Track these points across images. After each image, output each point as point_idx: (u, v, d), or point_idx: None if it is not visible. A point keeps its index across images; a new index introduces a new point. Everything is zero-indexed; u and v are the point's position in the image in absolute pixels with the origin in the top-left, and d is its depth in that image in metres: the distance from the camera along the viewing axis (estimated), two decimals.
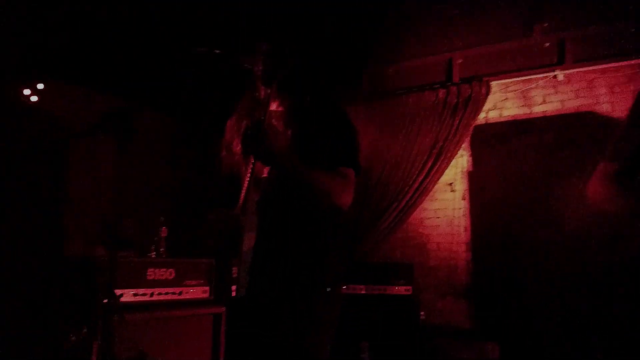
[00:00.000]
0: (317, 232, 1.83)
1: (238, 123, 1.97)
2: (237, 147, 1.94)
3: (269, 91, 1.96)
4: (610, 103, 4.17)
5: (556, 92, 4.39)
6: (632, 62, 4.02)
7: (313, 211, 1.81)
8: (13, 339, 2.52)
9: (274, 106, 1.96)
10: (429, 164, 4.57)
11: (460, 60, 4.63)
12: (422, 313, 3.68)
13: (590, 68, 4.17)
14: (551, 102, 4.42)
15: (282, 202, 1.83)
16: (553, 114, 4.40)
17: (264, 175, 1.89)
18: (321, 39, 4.65)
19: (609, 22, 4.04)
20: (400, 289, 3.73)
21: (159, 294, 2.73)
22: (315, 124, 1.85)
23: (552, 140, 4.35)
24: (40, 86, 2.93)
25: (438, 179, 4.60)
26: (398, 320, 3.63)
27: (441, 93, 4.59)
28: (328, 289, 1.83)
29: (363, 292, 3.70)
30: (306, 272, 1.77)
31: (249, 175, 1.76)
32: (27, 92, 2.90)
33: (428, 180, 4.58)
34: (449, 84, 4.59)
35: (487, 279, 4.50)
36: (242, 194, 1.79)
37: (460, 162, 4.73)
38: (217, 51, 1.85)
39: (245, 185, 1.78)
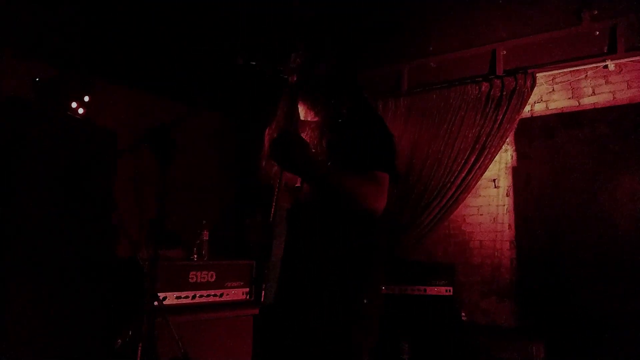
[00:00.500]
0: (347, 240, 1.81)
1: (275, 132, 1.98)
2: None
3: (301, 101, 1.96)
4: None
5: (607, 83, 4.18)
6: None
7: (343, 219, 1.80)
8: (64, 339, 2.64)
9: (309, 116, 1.96)
10: (472, 160, 4.46)
11: (504, 52, 4.47)
12: (463, 314, 3.62)
13: None
14: (602, 93, 4.21)
15: (313, 210, 1.82)
16: (604, 105, 4.19)
17: (297, 185, 1.90)
18: (361, 31, 4.60)
19: None
20: (441, 290, 3.67)
21: (201, 296, 2.80)
22: (350, 132, 1.84)
23: (603, 133, 4.15)
24: (86, 98, 3.03)
25: (481, 174, 4.49)
26: (439, 320, 3.58)
27: (484, 86, 4.46)
28: (365, 301, 1.81)
29: (403, 292, 3.66)
30: (337, 283, 1.76)
31: (279, 184, 1.78)
32: (74, 105, 3.02)
33: (471, 176, 4.47)
34: (492, 76, 4.44)
35: (533, 277, 4.36)
36: (273, 203, 1.81)
37: (505, 157, 4.60)
38: (253, 62, 1.86)
39: (275, 194, 1.80)
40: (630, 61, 4.02)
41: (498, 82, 4.39)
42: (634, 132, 4.00)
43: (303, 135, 1.93)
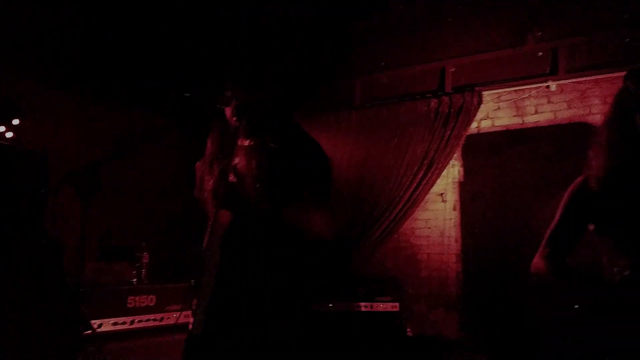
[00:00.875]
0: (287, 265, 1.79)
1: (208, 162, 1.94)
2: (209, 185, 1.91)
3: (235, 129, 1.92)
4: (602, 114, 4.07)
5: (549, 102, 4.33)
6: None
7: (278, 251, 1.78)
8: None
9: (245, 142, 1.93)
10: (420, 175, 4.52)
11: (452, 69, 4.55)
12: (408, 329, 3.66)
13: (583, 79, 4.10)
14: (544, 112, 4.35)
15: (246, 241, 1.80)
16: (545, 124, 4.34)
17: (229, 216, 1.87)
18: (310, 46, 4.60)
19: (602, 32, 3.95)
20: (387, 306, 3.70)
21: (140, 321, 2.72)
22: (286, 159, 1.82)
23: (545, 151, 4.29)
24: (15, 122, 2.89)
25: (429, 189, 4.56)
26: (385, 337, 3.61)
27: (433, 103, 4.53)
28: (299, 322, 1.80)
29: (350, 309, 3.67)
30: (269, 321, 1.74)
31: (212, 217, 1.76)
32: (1, 129, 2.86)
33: (419, 191, 4.53)
34: (441, 93, 4.52)
35: (478, 290, 4.47)
36: (206, 235, 1.79)
37: (452, 172, 4.69)
38: (187, 94, 1.82)
39: (209, 226, 1.78)
40: (571, 82, 4.18)
41: (446, 99, 4.47)
42: (573, 151, 4.15)
43: (236, 160, 1.90)
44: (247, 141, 1.93)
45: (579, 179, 1.90)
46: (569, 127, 4.22)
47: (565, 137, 4.20)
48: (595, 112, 4.13)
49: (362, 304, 3.69)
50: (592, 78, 4.06)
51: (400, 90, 4.80)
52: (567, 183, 4.25)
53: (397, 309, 3.74)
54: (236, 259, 1.81)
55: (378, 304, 3.70)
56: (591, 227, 1.86)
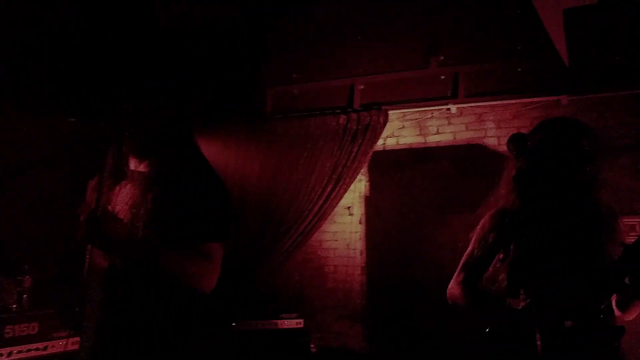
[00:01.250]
0: (171, 310, 1.71)
1: (100, 185, 1.82)
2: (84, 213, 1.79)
3: (131, 151, 1.82)
4: (496, 137, 4.40)
5: (449, 124, 4.57)
6: (518, 100, 4.26)
7: (160, 296, 1.69)
8: None
9: (139, 167, 1.84)
10: (329, 189, 4.59)
11: (361, 87, 4.67)
12: (312, 345, 3.70)
13: (480, 104, 4.37)
14: (444, 133, 4.59)
15: (130, 278, 1.69)
16: (446, 144, 4.57)
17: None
18: (227, 55, 4.50)
19: (498, 61, 4.24)
20: (292, 322, 3.71)
21: (20, 352, 2.50)
22: (179, 192, 1.74)
23: (445, 170, 4.52)
24: None
25: (337, 203, 4.64)
26: (289, 355, 3.62)
27: (342, 119, 4.61)
28: None
29: (255, 327, 3.63)
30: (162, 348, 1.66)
31: (88, 256, 1.65)
32: None
33: (327, 205, 4.60)
34: (350, 110, 4.61)
35: (381, 302, 4.62)
36: (86, 261, 1.68)
37: (359, 187, 4.80)
38: (72, 119, 1.70)
39: (88, 255, 1.67)
40: (470, 106, 4.44)
41: (355, 115, 4.57)
42: (471, 171, 4.41)
43: (129, 187, 1.81)
44: (141, 165, 1.84)
45: (494, 211, 1.96)
46: (467, 148, 4.48)
47: (464, 157, 4.46)
48: (491, 135, 4.42)
49: (266, 322, 3.67)
50: (488, 103, 4.35)
51: (311, 104, 4.84)
52: (465, 201, 4.52)
53: (301, 326, 3.76)
54: (120, 302, 1.68)
55: (282, 321, 3.70)
56: (501, 255, 1.94)
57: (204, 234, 1.71)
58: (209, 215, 1.73)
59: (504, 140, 4.34)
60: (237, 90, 4.94)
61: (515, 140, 1.52)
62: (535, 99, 4.16)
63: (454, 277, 2.04)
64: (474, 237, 2.01)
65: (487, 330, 1.77)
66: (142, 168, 1.83)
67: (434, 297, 4.34)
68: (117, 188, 1.81)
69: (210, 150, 4.62)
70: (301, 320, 3.77)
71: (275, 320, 3.67)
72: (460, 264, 2.04)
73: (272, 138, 4.85)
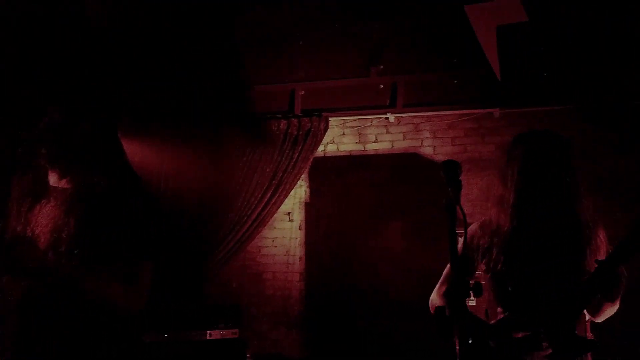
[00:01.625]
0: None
1: (8, 205, 1.69)
2: None
3: (52, 166, 1.71)
4: (432, 147, 4.52)
5: (387, 132, 4.65)
6: (453, 112, 4.39)
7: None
8: None
9: (62, 183, 1.72)
10: (269, 194, 4.55)
11: (302, 92, 4.66)
12: (248, 355, 3.64)
13: (417, 114, 4.47)
14: (383, 141, 4.66)
15: (47, 307, 1.58)
16: (384, 152, 4.65)
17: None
18: (159, 61, 4.37)
19: (434, 73, 4.36)
20: (227, 333, 3.64)
21: None
22: (106, 211, 1.65)
23: (383, 176, 4.59)
24: None
25: (277, 209, 4.60)
26: None
27: (282, 124, 4.58)
28: None
29: (188, 338, 3.53)
30: None
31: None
32: None
33: (267, 210, 4.55)
34: (291, 115, 4.60)
35: (319, 308, 4.62)
36: None
37: (299, 193, 4.79)
38: None
39: None
40: (407, 116, 4.53)
41: (296, 121, 4.55)
42: (407, 179, 4.51)
43: (49, 207, 1.69)
44: (62, 181, 1.72)
45: (479, 223, 1.96)
46: (404, 157, 4.58)
47: (401, 165, 4.55)
48: (427, 144, 4.53)
49: (201, 332, 3.58)
50: (425, 114, 4.46)
51: (253, 108, 4.78)
52: (402, 208, 4.60)
53: (237, 336, 3.69)
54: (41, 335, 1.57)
55: (217, 331, 3.62)
56: (482, 268, 1.94)
57: (131, 254, 1.63)
58: (137, 234, 1.65)
59: (440, 150, 4.52)
60: (176, 94, 4.80)
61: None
62: (469, 111, 4.31)
63: (436, 287, 2.01)
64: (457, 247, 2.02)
65: (470, 342, 1.76)
66: (63, 184, 1.72)
67: (371, 302, 4.45)
68: (38, 207, 1.68)
69: (144, 156, 4.48)
70: (236, 330, 3.70)
71: (210, 331, 3.59)
72: (443, 275, 2.02)
73: (210, 142, 4.75)
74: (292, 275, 4.76)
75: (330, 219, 4.71)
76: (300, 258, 4.76)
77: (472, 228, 1.96)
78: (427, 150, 4.52)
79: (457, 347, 1.47)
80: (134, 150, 4.47)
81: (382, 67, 4.47)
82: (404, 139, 4.60)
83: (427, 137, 4.54)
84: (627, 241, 1.60)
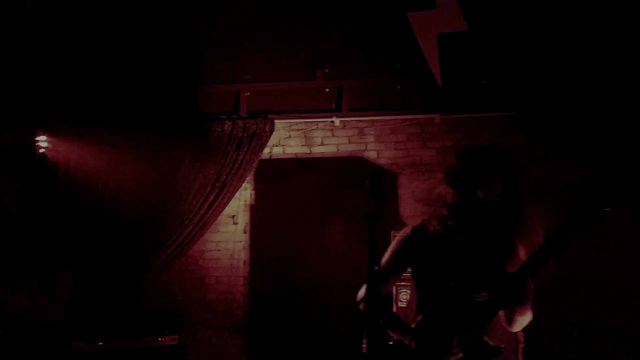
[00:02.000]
0: None
1: None
2: None
3: None
4: (376, 150, 4.57)
5: (333, 136, 4.67)
6: (396, 117, 4.46)
7: None
8: None
9: None
10: (212, 197, 4.46)
11: (247, 94, 4.61)
12: None
13: (362, 118, 4.52)
14: (329, 144, 4.68)
15: None
16: (330, 156, 4.67)
17: None
18: (96, 57, 4.21)
19: (378, 78, 4.42)
20: (166, 339, 3.54)
21: None
22: (20, 216, 1.57)
23: (329, 179, 4.60)
24: None
25: (220, 212, 4.53)
26: None
27: (227, 125, 4.50)
28: None
29: (123, 346, 3.39)
30: None
31: None
32: None
33: (210, 213, 4.47)
34: (236, 117, 4.53)
35: (263, 312, 4.57)
36: None
37: (244, 195, 4.73)
38: None
39: None
40: (352, 120, 4.57)
41: (240, 123, 4.49)
42: (352, 182, 4.53)
43: None
44: None
45: (412, 227, 2.00)
46: (349, 160, 4.61)
47: (346, 169, 4.58)
48: (371, 148, 4.59)
49: (139, 339, 3.46)
50: (369, 118, 4.51)
51: (196, 108, 4.67)
52: (346, 211, 4.62)
53: (176, 342, 3.60)
54: None
55: (156, 337, 3.51)
56: (409, 269, 2.00)
57: (47, 263, 1.55)
58: (54, 242, 1.58)
59: (383, 154, 4.58)
60: (116, 94, 4.64)
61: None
62: (411, 116, 4.40)
63: (364, 286, 2.02)
64: (390, 247, 2.03)
65: (391, 343, 1.80)
66: None
67: (315, 304, 4.44)
68: None
69: (84, 159, 4.29)
70: (176, 337, 3.60)
71: (147, 337, 3.47)
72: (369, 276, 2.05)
73: (152, 143, 4.61)
74: (236, 279, 4.69)
75: (276, 221, 4.67)
76: (245, 262, 4.70)
77: (405, 231, 2.00)
78: (371, 154, 4.57)
79: (364, 346, 1.52)
80: (73, 152, 4.31)
81: (327, 70, 4.49)
82: (349, 143, 4.63)
83: (371, 142, 4.59)
84: (535, 256, 1.67)
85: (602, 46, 3.94)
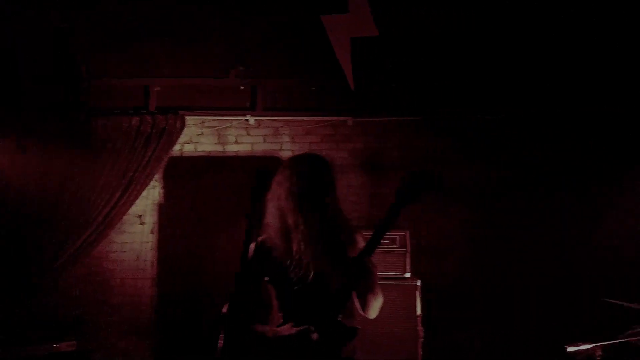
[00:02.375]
0: None
1: None
2: None
3: None
4: (291, 150, 4.57)
5: (248, 135, 4.61)
6: (310, 118, 4.49)
7: None
8: None
9: None
10: (117, 195, 4.26)
11: (157, 89, 4.45)
12: None
13: (277, 118, 4.50)
14: (243, 143, 4.62)
15: None
16: (244, 155, 4.61)
17: None
18: None
19: (293, 78, 4.42)
20: (62, 346, 3.33)
21: None
22: None
23: (242, 179, 4.52)
24: None
25: (127, 210, 4.34)
26: None
27: (134, 120, 4.31)
28: None
29: (17, 356, 3.16)
30: None
31: None
32: None
33: (115, 212, 4.26)
34: (144, 112, 4.35)
35: (171, 314, 4.43)
36: None
37: (152, 194, 4.55)
38: None
39: None
40: (267, 119, 4.54)
41: (149, 118, 4.32)
42: (266, 183, 4.49)
43: None
44: None
45: (256, 242, 2.04)
46: (264, 160, 4.57)
47: (261, 168, 4.52)
48: (286, 148, 4.58)
49: (33, 347, 3.22)
50: (283, 118, 4.51)
51: (104, 102, 4.43)
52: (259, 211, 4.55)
53: (74, 348, 3.40)
54: None
55: (51, 344, 3.29)
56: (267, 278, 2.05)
57: None
58: None
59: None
60: (15, 86, 4.29)
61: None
62: (325, 118, 4.44)
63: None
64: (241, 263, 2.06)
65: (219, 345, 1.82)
66: None
67: (222, 304, 4.35)
68: None
69: None
70: (74, 342, 3.40)
71: (43, 345, 3.25)
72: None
73: (52, 138, 4.31)
74: (143, 282, 4.51)
75: (186, 221, 4.54)
76: (152, 263, 4.53)
77: (251, 247, 2.04)
78: (286, 154, 4.55)
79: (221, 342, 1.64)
80: None
81: (241, 69, 4.41)
82: (264, 142, 4.60)
83: (286, 141, 4.58)
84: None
85: (507, 47, 4.12)
